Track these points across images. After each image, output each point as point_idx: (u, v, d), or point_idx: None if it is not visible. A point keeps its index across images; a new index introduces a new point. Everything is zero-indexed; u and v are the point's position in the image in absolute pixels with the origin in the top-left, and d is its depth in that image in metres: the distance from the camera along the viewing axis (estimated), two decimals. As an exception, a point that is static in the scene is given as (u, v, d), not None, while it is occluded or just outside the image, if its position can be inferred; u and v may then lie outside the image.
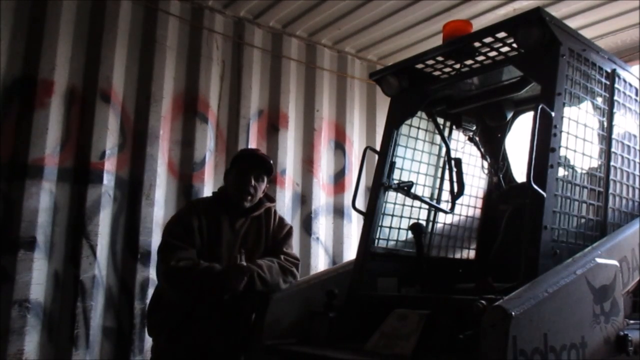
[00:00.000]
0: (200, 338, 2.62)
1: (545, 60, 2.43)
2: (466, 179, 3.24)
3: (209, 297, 2.57)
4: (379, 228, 3.04)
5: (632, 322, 2.31)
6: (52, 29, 3.70)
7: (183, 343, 2.63)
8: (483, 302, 1.93)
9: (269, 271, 2.66)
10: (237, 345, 2.70)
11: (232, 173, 2.87)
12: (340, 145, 5.06)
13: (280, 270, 2.72)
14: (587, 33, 3.76)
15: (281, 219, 2.99)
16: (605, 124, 2.64)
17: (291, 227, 3.01)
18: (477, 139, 3.48)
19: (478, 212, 3.59)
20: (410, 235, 3.06)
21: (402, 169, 3.17)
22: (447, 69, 3.05)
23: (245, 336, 2.69)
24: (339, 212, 4.91)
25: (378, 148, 3.15)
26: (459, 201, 3.29)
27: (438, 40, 3.08)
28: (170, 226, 2.80)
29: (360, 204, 3.09)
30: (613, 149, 2.64)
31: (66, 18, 3.77)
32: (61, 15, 3.74)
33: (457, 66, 3.00)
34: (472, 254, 3.56)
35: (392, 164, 3.08)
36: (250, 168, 2.81)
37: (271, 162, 2.89)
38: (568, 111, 2.42)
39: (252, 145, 4.49)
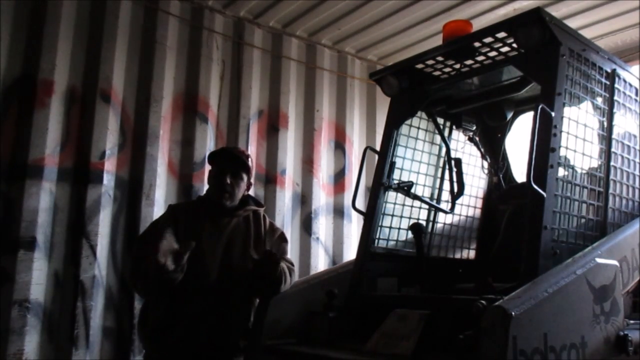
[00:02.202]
0: (188, 341, 2.54)
1: (545, 60, 2.43)
2: (466, 179, 3.24)
3: (155, 285, 2.51)
4: (379, 228, 3.04)
5: (632, 322, 2.31)
6: (52, 29, 3.70)
7: (169, 345, 2.55)
8: (483, 302, 1.92)
9: (290, 273, 2.70)
10: (231, 347, 2.65)
11: (211, 172, 2.84)
12: (340, 145, 5.06)
13: (290, 276, 2.73)
14: (587, 33, 3.76)
15: (272, 224, 2.94)
16: (605, 124, 2.64)
17: (283, 233, 2.96)
18: (477, 139, 3.49)
19: (478, 212, 3.59)
20: (410, 235, 3.06)
21: (402, 169, 3.17)
22: (447, 69, 3.05)
23: (243, 337, 2.66)
24: (339, 212, 4.91)
25: (378, 148, 3.15)
26: (459, 201, 3.29)
27: (438, 40, 3.08)
28: (143, 233, 2.81)
29: (360, 204, 3.09)
30: (613, 149, 2.64)
31: (66, 18, 3.77)
32: (61, 15, 3.74)
33: (457, 66, 3.00)
34: (472, 254, 3.56)
35: (392, 164, 3.08)
36: (226, 166, 2.76)
37: (249, 158, 2.83)
38: (568, 111, 2.42)
39: (252, 145, 4.49)
